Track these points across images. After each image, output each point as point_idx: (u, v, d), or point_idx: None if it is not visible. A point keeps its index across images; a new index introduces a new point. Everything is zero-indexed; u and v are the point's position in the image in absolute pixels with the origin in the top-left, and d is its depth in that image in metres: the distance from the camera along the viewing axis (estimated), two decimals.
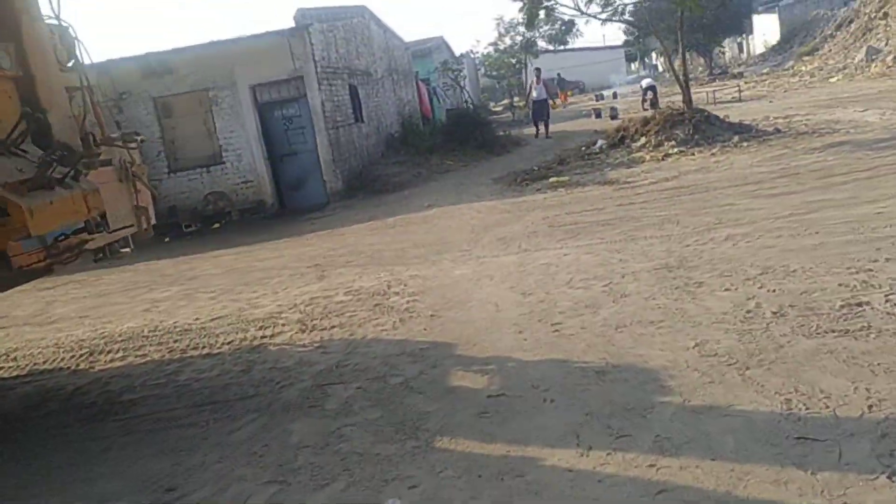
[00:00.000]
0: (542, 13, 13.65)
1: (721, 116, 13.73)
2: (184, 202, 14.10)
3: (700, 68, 51.60)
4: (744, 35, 50.25)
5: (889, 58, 24.43)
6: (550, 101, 22.50)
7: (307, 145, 14.49)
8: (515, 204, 10.22)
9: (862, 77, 23.40)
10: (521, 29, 37.16)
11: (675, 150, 12.27)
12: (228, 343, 5.67)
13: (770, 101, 20.87)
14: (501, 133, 20.63)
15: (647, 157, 12.08)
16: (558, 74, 42.91)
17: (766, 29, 49.94)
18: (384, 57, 20.60)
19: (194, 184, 14.21)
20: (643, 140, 13.26)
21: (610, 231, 7.49)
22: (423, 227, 9.71)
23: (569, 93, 36.52)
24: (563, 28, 37.80)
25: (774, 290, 4.73)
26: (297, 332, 5.64)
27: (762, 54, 50.29)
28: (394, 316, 5.64)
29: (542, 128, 19.87)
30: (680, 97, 14.39)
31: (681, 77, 14.11)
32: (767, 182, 8.68)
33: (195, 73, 13.80)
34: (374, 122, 18.23)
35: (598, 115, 26.51)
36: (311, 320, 5.91)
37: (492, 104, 53.36)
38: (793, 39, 46.86)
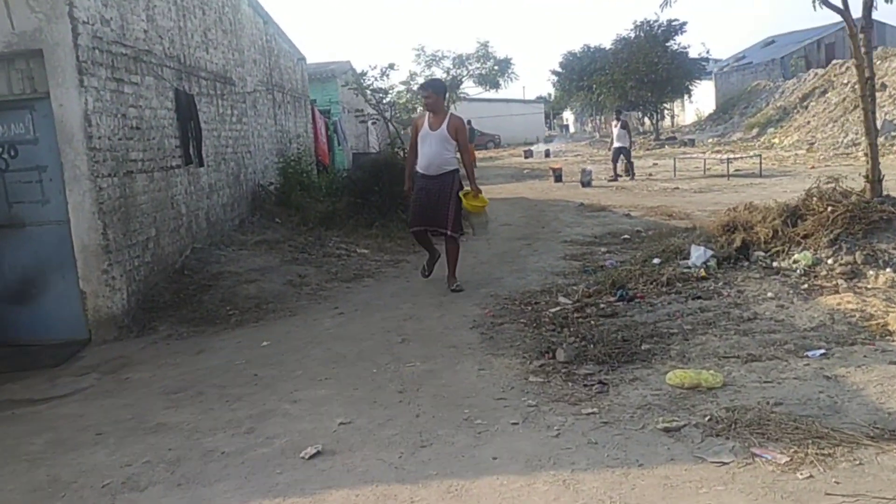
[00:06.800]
0: None
1: None
2: None
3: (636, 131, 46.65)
4: (681, 100, 45.72)
5: None
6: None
7: (49, 209, 6.43)
8: None
9: None
10: (447, 64, 30.32)
11: None
12: None
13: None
14: None
15: (873, 309, 4.82)
16: (469, 122, 32.50)
17: (699, 96, 45.54)
18: (261, 61, 12.75)
19: None
20: (804, 256, 6.07)
21: None
22: None
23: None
24: (497, 69, 31.24)
25: None
26: None
27: (697, 122, 45.85)
28: None
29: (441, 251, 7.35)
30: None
31: (871, 140, 7.06)
32: None
33: None
34: (230, 166, 10.30)
35: (559, 179, 19.65)
36: None
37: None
38: (731, 109, 42.51)
